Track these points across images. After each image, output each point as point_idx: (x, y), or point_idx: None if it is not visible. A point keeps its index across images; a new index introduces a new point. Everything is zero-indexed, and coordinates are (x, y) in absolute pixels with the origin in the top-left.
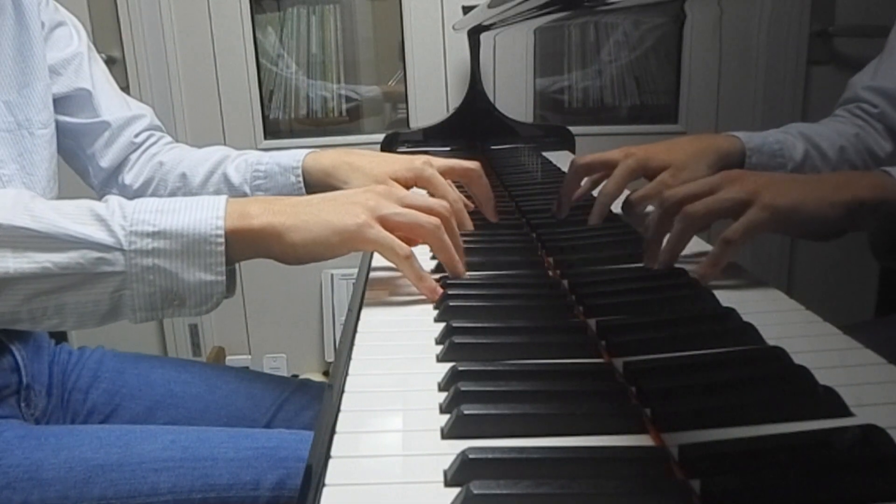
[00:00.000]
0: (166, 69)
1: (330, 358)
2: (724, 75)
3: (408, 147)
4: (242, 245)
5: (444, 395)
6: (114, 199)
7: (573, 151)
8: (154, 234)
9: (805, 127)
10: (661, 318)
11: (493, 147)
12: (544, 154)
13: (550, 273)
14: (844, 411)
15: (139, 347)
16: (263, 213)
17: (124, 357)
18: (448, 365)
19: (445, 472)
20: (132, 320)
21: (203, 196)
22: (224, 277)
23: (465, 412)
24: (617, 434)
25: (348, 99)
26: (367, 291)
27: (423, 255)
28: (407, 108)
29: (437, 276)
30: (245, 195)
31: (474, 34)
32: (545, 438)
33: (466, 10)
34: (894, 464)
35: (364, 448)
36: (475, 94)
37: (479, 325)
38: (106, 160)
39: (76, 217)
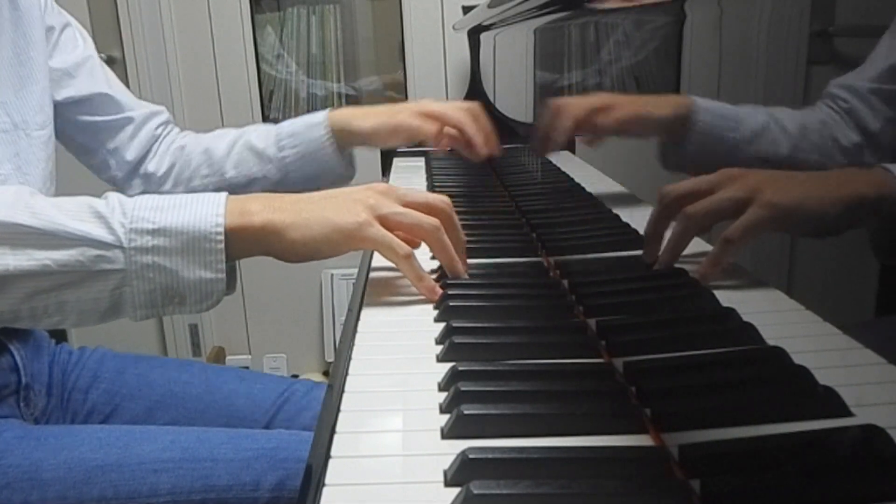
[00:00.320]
0: (166, 69)
1: (330, 358)
2: (724, 75)
3: (407, 146)
4: (242, 242)
5: (444, 395)
6: (114, 196)
7: (573, 151)
8: (154, 232)
9: (780, 109)
10: (661, 318)
11: None
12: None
13: (550, 273)
14: (844, 411)
15: (139, 347)
16: (264, 210)
17: (124, 357)
18: (448, 365)
19: (445, 472)
20: (133, 318)
21: (203, 193)
22: (224, 275)
23: (465, 412)
24: (617, 434)
25: (348, 98)
26: (367, 291)
27: (424, 255)
28: None
29: (438, 275)
30: (271, 159)
31: (474, 34)
32: (545, 438)
33: (466, 10)
34: (894, 464)
35: (364, 448)
36: (475, 94)
37: (479, 325)
38: (131, 153)
39: (76, 214)
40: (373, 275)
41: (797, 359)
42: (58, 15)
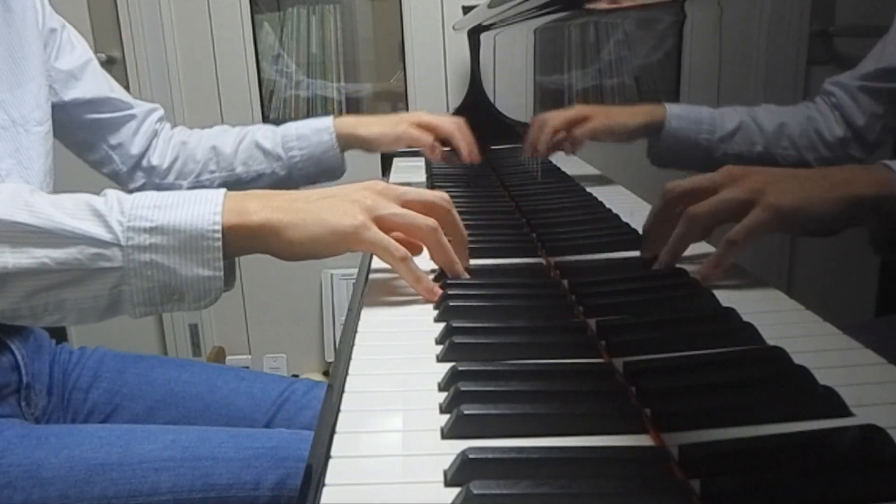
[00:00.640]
0: (166, 69)
1: (330, 358)
2: (724, 75)
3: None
4: (240, 241)
5: (444, 395)
6: (112, 194)
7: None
8: (151, 230)
9: (766, 107)
10: (661, 318)
11: (493, 147)
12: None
13: (550, 273)
14: (844, 411)
15: (139, 347)
16: (262, 209)
17: (124, 357)
18: (448, 365)
19: (445, 472)
20: (132, 315)
21: (202, 190)
22: (222, 273)
23: (465, 412)
24: (617, 434)
25: (349, 101)
26: (367, 291)
27: (423, 255)
28: (407, 108)
29: (437, 275)
30: (280, 157)
31: (474, 34)
32: (545, 438)
33: (466, 10)
34: (894, 464)
35: (364, 448)
36: (475, 94)
37: (479, 325)
38: (135, 147)
39: (74, 212)
40: (373, 275)
41: (797, 359)
42: (55, 18)
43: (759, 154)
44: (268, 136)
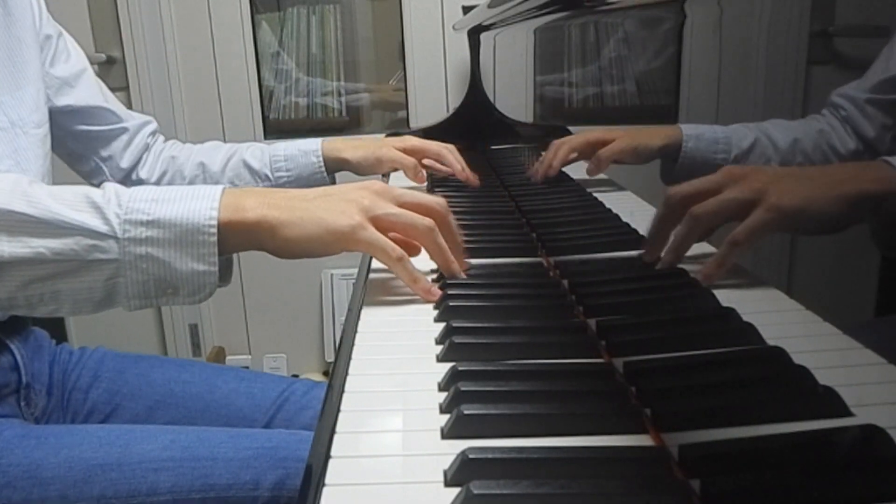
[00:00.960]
0: (166, 69)
1: (330, 358)
2: (724, 75)
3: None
4: (235, 237)
5: (444, 395)
6: (110, 187)
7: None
8: (148, 223)
9: (776, 121)
10: (661, 318)
11: (493, 147)
12: (544, 154)
13: (550, 273)
14: (844, 411)
15: (139, 347)
16: (258, 206)
17: (124, 357)
18: (448, 365)
19: (445, 472)
20: (126, 308)
21: (200, 186)
22: (216, 268)
23: (465, 412)
24: (617, 434)
25: (347, 99)
26: (367, 291)
27: (422, 255)
28: (407, 109)
29: (436, 275)
30: (268, 178)
31: (474, 34)
32: (545, 438)
33: (466, 10)
34: (894, 464)
35: (364, 448)
36: (475, 94)
37: (479, 325)
38: (125, 161)
39: (72, 203)
40: (373, 275)
41: (797, 359)
42: (52, 24)
43: None
44: (256, 155)
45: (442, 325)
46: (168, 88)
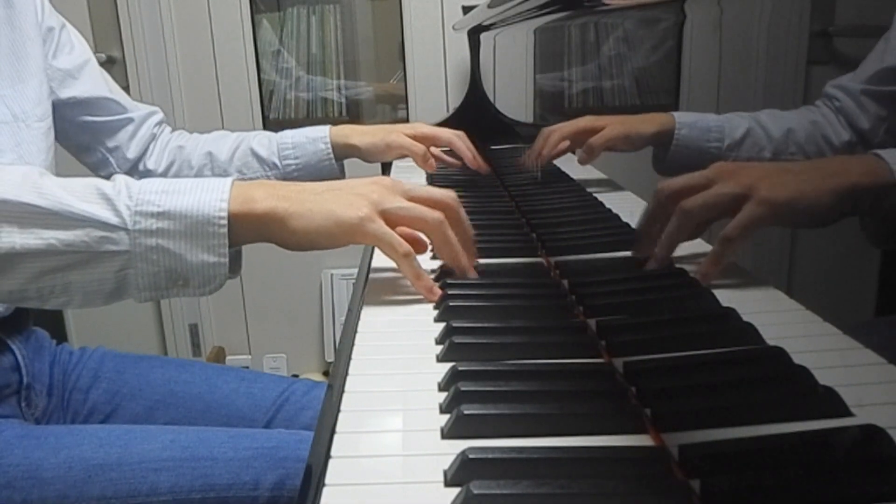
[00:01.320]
0: (166, 69)
1: (330, 358)
2: (724, 75)
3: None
4: (245, 228)
5: (444, 395)
6: (121, 179)
7: (573, 151)
8: (158, 215)
9: (770, 111)
10: (661, 318)
11: (493, 147)
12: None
13: (550, 273)
14: (844, 411)
15: (139, 347)
16: (268, 197)
17: (124, 357)
18: (448, 365)
19: (445, 472)
20: (137, 299)
21: (210, 178)
22: (227, 259)
23: (465, 412)
24: (617, 434)
25: (348, 98)
26: (367, 291)
27: (423, 255)
28: (407, 108)
29: (438, 275)
30: (276, 166)
31: (474, 34)
32: (545, 438)
33: (466, 10)
34: (894, 464)
35: (364, 448)
36: (475, 94)
37: (479, 325)
38: (132, 151)
39: (83, 195)
40: (373, 275)
41: (797, 359)
42: (55, 16)
43: (768, 161)
44: (264, 143)
45: (442, 325)
46: (168, 88)
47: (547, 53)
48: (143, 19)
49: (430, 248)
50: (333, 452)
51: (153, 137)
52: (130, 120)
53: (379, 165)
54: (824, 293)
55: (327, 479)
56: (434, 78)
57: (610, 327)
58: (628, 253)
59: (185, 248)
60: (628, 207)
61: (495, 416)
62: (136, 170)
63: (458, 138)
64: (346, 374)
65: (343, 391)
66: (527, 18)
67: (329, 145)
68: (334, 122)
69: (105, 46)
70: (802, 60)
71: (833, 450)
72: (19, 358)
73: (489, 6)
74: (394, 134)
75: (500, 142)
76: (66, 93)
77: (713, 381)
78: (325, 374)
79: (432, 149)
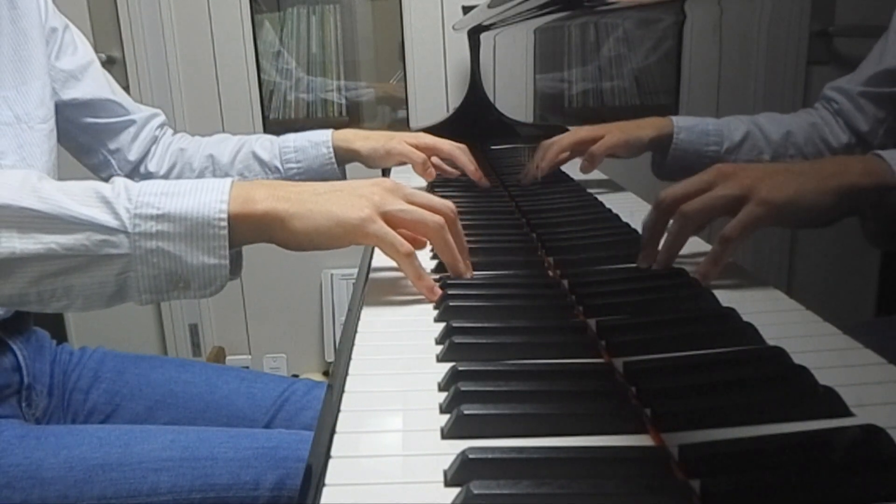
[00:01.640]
0: (166, 69)
1: (330, 358)
2: (724, 75)
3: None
4: (245, 229)
5: (444, 395)
6: (120, 181)
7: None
8: (158, 217)
9: (768, 114)
10: (661, 318)
11: (493, 147)
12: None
13: (550, 273)
14: (844, 411)
15: (139, 347)
16: (268, 198)
17: (125, 357)
18: (448, 365)
19: (445, 472)
20: (138, 302)
21: (209, 179)
22: (227, 261)
23: (465, 412)
24: (617, 434)
25: (348, 99)
26: (367, 291)
27: (423, 256)
28: (407, 108)
29: (438, 276)
30: (278, 169)
31: (474, 34)
32: (545, 438)
33: (466, 10)
34: (894, 464)
35: (364, 448)
36: (475, 94)
37: (479, 325)
38: (133, 153)
39: (82, 199)
40: (373, 275)
41: (797, 359)
42: (58, 17)
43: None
44: (266, 146)
45: (442, 325)
46: (168, 88)
47: (547, 53)
48: (143, 19)
49: (429, 247)
50: (333, 452)
51: (155, 140)
52: (132, 122)
53: (380, 170)
54: (824, 293)
55: (327, 479)
56: (434, 78)
57: (610, 327)
58: (628, 253)
59: (186, 251)
60: (628, 208)
61: (495, 416)
62: (137, 172)
63: (460, 151)
64: (346, 374)
65: (343, 391)
66: (527, 18)
67: (331, 149)
68: (335, 123)
69: (105, 46)
70: (802, 61)
71: (833, 450)
72: (20, 358)
73: (489, 6)
74: (394, 140)
75: (500, 142)
76: (68, 94)
77: (713, 381)
78: (325, 374)
79: (433, 158)
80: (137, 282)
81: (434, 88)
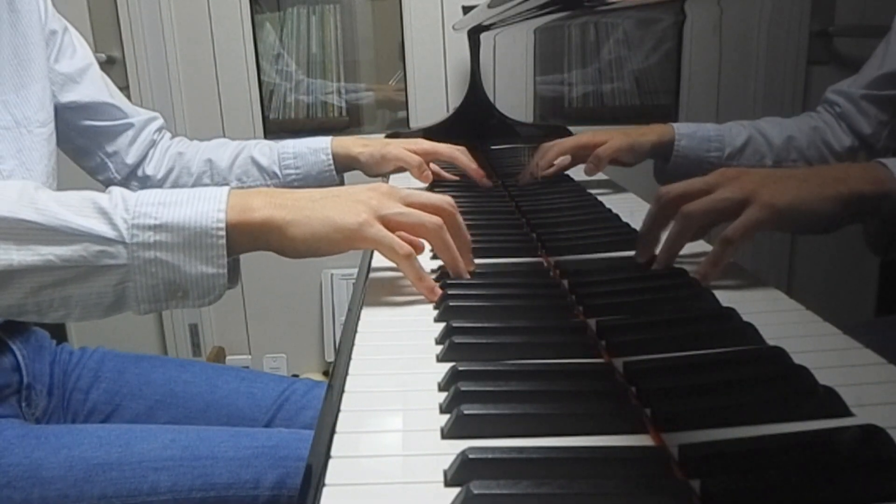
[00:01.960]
0: (166, 69)
1: (330, 358)
2: (724, 75)
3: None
4: (243, 238)
5: (444, 395)
6: (117, 191)
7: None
8: (156, 227)
9: (769, 119)
10: (661, 318)
11: (493, 147)
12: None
13: (550, 273)
14: (844, 411)
15: (139, 347)
16: (265, 206)
17: (125, 357)
18: (448, 365)
19: (445, 472)
20: (136, 312)
21: (206, 188)
22: (225, 270)
23: (465, 412)
24: (617, 434)
25: (348, 101)
26: (367, 291)
27: (423, 256)
28: (407, 108)
29: (438, 276)
30: (276, 175)
31: (474, 34)
32: (545, 438)
33: (466, 10)
34: (894, 464)
35: (364, 448)
36: (475, 94)
37: (479, 325)
38: (131, 157)
39: (79, 209)
40: (373, 275)
41: (797, 359)
42: (58, 19)
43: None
44: (265, 152)
45: (442, 325)
46: (168, 88)
47: (547, 53)
48: (143, 19)
49: (429, 248)
50: (333, 452)
51: (153, 143)
52: (130, 125)
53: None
54: (824, 293)
55: (327, 479)
56: (434, 78)
57: (610, 327)
58: (628, 253)
59: (184, 260)
60: (628, 208)
61: (495, 416)
62: (134, 175)
63: (460, 153)
64: (346, 374)
65: (343, 391)
66: (527, 18)
67: (330, 156)
68: (335, 124)
69: (105, 47)
70: (802, 61)
71: (833, 450)
72: (20, 358)
73: (489, 6)
74: (391, 146)
75: (500, 142)
76: (67, 97)
77: (713, 381)
78: (325, 374)
79: (432, 165)
80: (136, 292)
81: (434, 89)
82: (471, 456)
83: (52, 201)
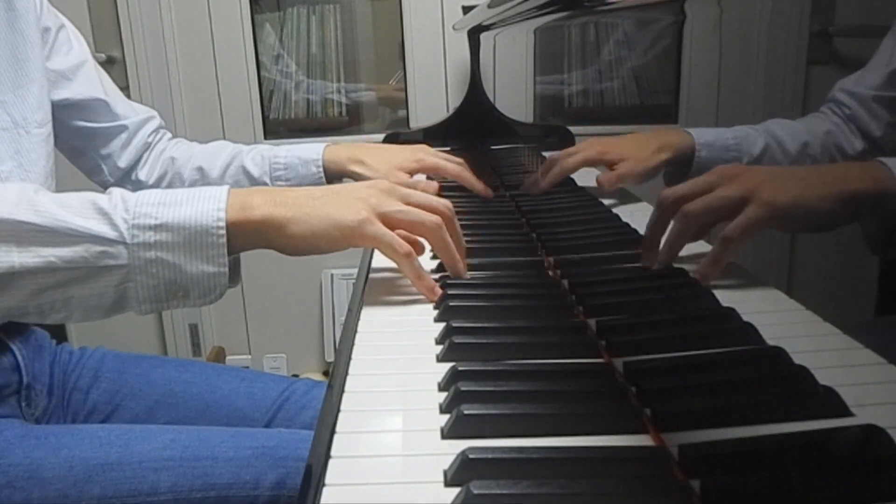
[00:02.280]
0: (166, 69)
1: (330, 358)
2: (724, 75)
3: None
4: (244, 236)
5: (444, 395)
6: (117, 192)
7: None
8: (156, 227)
9: (781, 122)
10: (661, 318)
11: (493, 147)
12: (544, 154)
13: (550, 273)
14: (844, 411)
15: (139, 347)
16: (265, 204)
17: (125, 357)
18: (448, 365)
19: (445, 472)
20: (138, 312)
21: (205, 187)
22: (226, 269)
23: (465, 412)
24: (617, 434)
25: (348, 99)
26: (367, 291)
27: (423, 256)
28: (407, 108)
29: (438, 275)
30: (266, 185)
31: (474, 34)
32: (545, 438)
33: (466, 10)
34: (894, 464)
35: (364, 448)
36: (475, 94)
37: (479, 325)
38: (123, 160)
39: (79, 211)
40: (373, 275)
41: (797, 359)
42: (53, 16)
43: None
44: (257, 161)
45: (442, 325)
46: (168, 88)
47: (547, 53)
48: (143, 19)
49: (429, 248)
50: (333, 452)
51: (147, 146)
52: (124, 128)
53: None
54: (824, 293)
55: (327, 479)
56: (434, 78)
57: (610, 327)
58: (628, 253)
59: (184, 260)
60: (628, 207)
61: (495, 416)
62: (128, 179)
63: (463, 170)
64: (346, 374)
65: (343, 391)
66: (527, 18)
67: (321, 168)
68: (335, 124)
69: (105, 46)
70: (802, 60)
71: (833, 450)
72: (19, 358)
73: (489, 6)
74: (391, 169)
75: (500, 142)
76: (60, 94)
77: (713, 381)
78: (325, 374)
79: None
80: (137, 292)
81: (434, 88)
82: (471, 456)
83: (51, 203)
